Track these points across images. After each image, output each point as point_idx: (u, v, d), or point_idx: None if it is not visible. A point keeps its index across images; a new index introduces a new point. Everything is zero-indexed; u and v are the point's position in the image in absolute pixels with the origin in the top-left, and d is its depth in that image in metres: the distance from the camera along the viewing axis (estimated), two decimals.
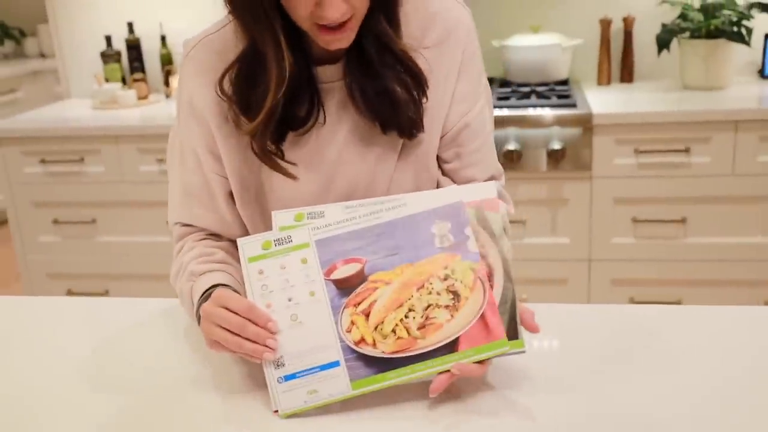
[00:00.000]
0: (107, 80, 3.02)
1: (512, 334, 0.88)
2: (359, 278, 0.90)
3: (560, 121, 2.35)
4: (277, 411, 0.88)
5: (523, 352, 0.88)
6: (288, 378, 0.89)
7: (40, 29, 4.82)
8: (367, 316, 0.89)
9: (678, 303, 2.44)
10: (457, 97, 1.08)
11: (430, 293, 0.89)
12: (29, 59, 4.84)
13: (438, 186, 1.11)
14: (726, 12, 2.45)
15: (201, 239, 1.10)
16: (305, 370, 0.88)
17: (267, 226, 1.02)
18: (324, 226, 0.91)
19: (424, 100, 1.02)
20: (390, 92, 0.99)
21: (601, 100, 2.49)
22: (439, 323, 0.88)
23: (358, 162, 1.05)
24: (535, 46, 2.65)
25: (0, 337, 1.14)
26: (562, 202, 2.42)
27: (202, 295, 0.97)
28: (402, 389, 0.88)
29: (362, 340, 0.88)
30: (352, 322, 0.89)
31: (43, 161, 2.68)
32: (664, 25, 2.56)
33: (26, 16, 4.92)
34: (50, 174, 2.70)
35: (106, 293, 2.77)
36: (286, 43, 0.93)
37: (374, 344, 0.88)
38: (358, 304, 0.90)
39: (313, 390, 0.88)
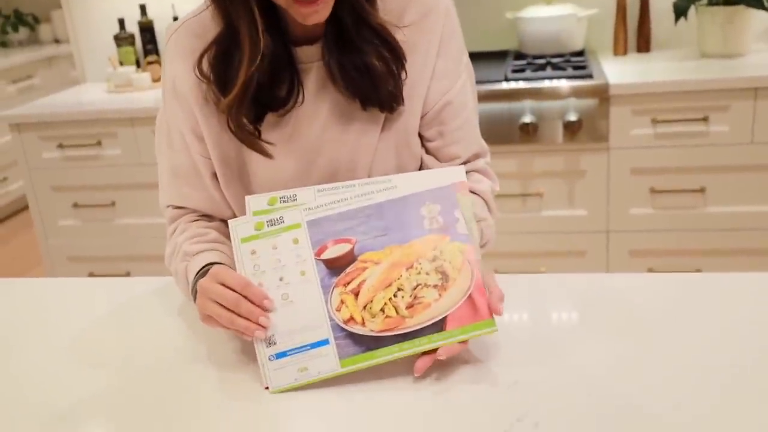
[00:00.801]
0: (121, 63, 3.03)
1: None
2: (349, 258, 0.91)
3: (576, 93, 2.33)
4: (267, 387, 0.89)
5: (495, 331, 0.89)
6: (279, 356, 0.89)
7: (54, 15, 4.85)
8: (357, 295, 0.90)
9: (698, 272, 2.43)
10: (437, 75, 1.08)
11: (419, 273, 0.90)
12: (44, 45, 4.87)
13: (422, 165, 1.11)
14: None
15: (193, 220, 1.11)
16: (295, 348, 0.89)
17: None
18: (315, 207, 0.92)
19: (403, 74, 1.02)
20: (369, 67, 0.99)
21: (617, 71, 2.46)
22: (427, 302, 0.89)
23: (340, 141, 1.06)
24: (550, 17, 2.63)
25: (20, 319, 1.15)
26: (579, 174, 2.41)
27: (197, 273, 0.99)
28: (389, 363, 0.89)
29: (351, 318, 0.89)
30: (342, 301, 0.90)
31: (60, 146, 2.70)
32: None
33: (40, 2, 4.95)
34: (68, 158, 2.72)
35: (127, 275, 2.79)
36: (261, 20, 0.93)
37: (363, 323, 0.89)
38: (348, 283, 0.90)
39: (304, 368, 0.89)
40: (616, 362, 0.89)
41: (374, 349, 0.88)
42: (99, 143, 2.67)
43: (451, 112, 1.10)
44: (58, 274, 2.86)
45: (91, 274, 2.84)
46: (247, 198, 0.94)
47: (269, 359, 0.89)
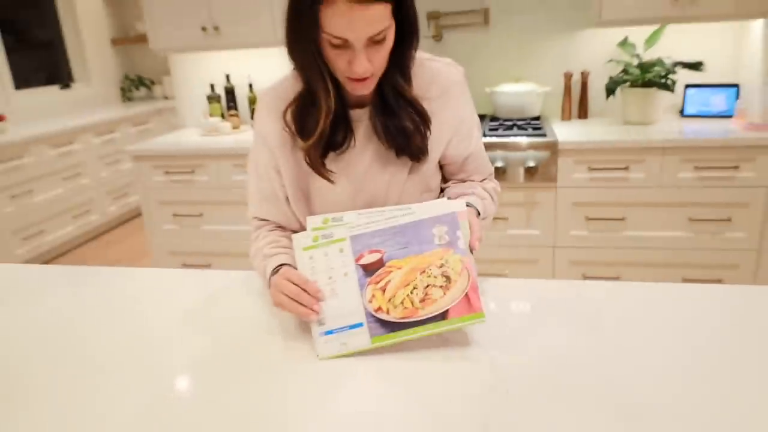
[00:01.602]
0: (211, 115, 3.05)
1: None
2: (379, 264, 0.91)
3: (534, 147, 2.33)
4: (317, 356, 0.89)
5: (483, 321, 0.88)
6: (327, 333, 0.90)
7: (165, 79, 4.90)
8: (384, 291, 0.90)
9: (618, 278, 2.41)
10: (459, 135, 1.07)
11: (429, 276, 0.89)
12: (156, 100, 4.92)
13: (441, 193, 1.13)
14: (657, 68, 2.41)
15: (271, 230, 1.10)
16: (339, 328, 0.90)
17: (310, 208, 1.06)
18: (356, 226, 0.92)
19: (428, 133, 1.01)
20: (404, 128, 0.99)
21: (564, 132, 2.45)
22: (435, 299, 0.89)
23: (378, 178, 1.05)
24: (516, 92, 2.63)
25: (132, 297, 1.16)
26: (534, 204, 2.40)
27: (272, 271, 0.98)
28: (403, 343, 0.89)
29: (380, 308, 0.89)
30: (373, 295, 0.90)
31: (166, 172, 2.72)
32: (611, 78, 2.52)
33: (154, 70, 5.01)
34: (171, 181, 2.74)
35: (209, 266, 2.80)
36: (332, 86, 0.93)
37: (388, 312, 0.89)
38: (378, 282, 0.90)
39: (344, 342, 0.89)
40: (567, 345, 0.88)
41: (395, 331, 0.89)
42: (193, 171, 2.69)
43: (471, 159, 1.11)
44: (160, 263, 2.87)
45: (184, 265, 2.84)
46: (308, 218, 0.94)
47: (320, 335, 0.90)
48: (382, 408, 0.76)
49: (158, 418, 0.77)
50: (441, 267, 0.90)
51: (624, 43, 2.54)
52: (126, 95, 4.95)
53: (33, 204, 3.50)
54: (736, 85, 2.49)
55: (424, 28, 2.77)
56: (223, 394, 0.81)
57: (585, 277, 2.41)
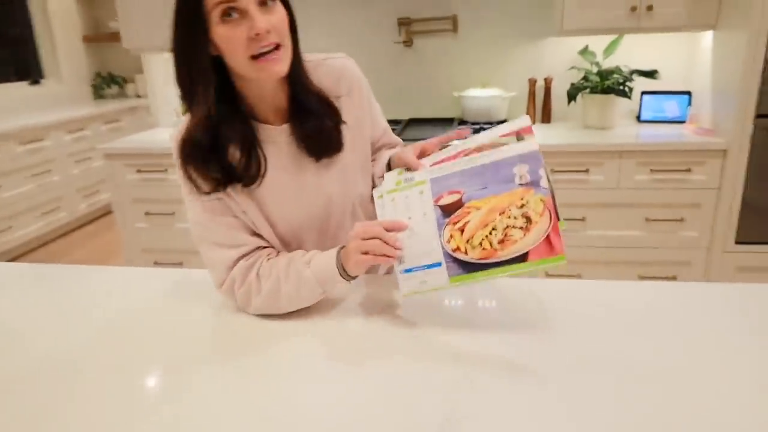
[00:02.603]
0: (183, 113, 3.01)
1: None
2: (458, 205, 0.87)
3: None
4: (401, 293, 0.89)
5: (564, 264, 0.83)
6: (407, 271, 0.89)
7: (137, 77, 4.83)
8: (462, 231, 0.86)
9: (579, 276, 2.48)
10: (374, 118, 1.10)
11: (509, 217, 0.85)
12: (129, 98, 4.84)
13: (374, 177, 1.10)
14: (615, 76, 2.49)
15: (269, 255, 0.98)
16: (418, 267, 0.88)
17: (277, 232, 1.01)
18: (437, 168, 0.90)
19: (342, 125, 1.01)
20: (322, 124, 0.97)
21: None
22: (514, 240, 0.84)
23: (327, 183, 1.02)
24: (483, 96, 2.67)
25: (102, 294, 1.12)
26: None
27: (337, 251, 0.93)
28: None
29: (458, 248, 0.86)
30: (451, 236, 0.87)
31: (138, 171, 2.69)
32: (572, 84, 2.58)
33: (127, 68, 4.93)
34: (143, 180, 2.71)
35: (181, 264, 2.79)
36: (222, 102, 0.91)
37: (466, 252, 0.86)
38: (456, 222, 0.87)
39: (423, 281, 0.88)
40: (528, 335, 0.89)
41: (473, 272, 0.85)
42: (165, 170, 2.67)
43: (386, 132, 1.15)
44: (133, 261, 2.83)
45: (156, 263, 2.82)
46: (386, 174, 0.95)
47: (400, 273, 0.89)
48: (347, 400, 0.75)
49: (129, 417, 0.74)
50: (521, 207, 0.84)
51: (584, 52, 2.61)
52: (98, 93, 4.86)
53: (0, 200, 3.42)
54: (688, 93, 2.59)
55: (395, 34, 2.82)
56: (186, 394, 0.78)
57: (548, 276, 2.47)
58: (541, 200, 0.84)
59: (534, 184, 0.85)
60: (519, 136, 0.88)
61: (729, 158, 2.24)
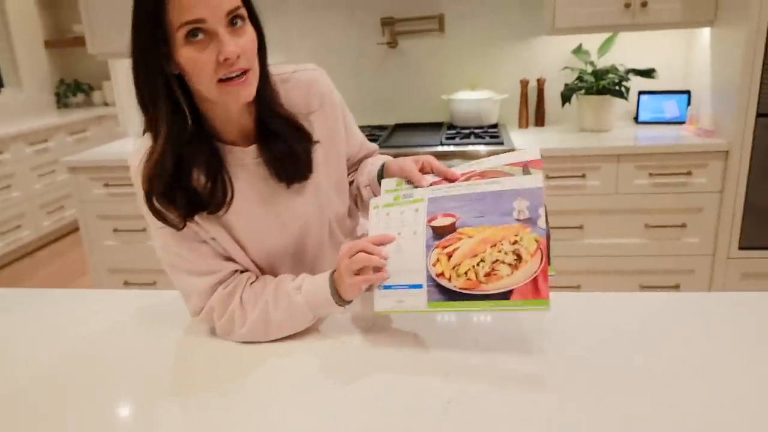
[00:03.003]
0: (144, 134, 2.94)
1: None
2: (451, 229, 0.88)
3: (491, 155, 2.33)
4: (374, 311, 0.89)
5: (547, 309, 0.82)
6: (385, 288, 0.88)
7: (105, 84, 4.73)
8: (450, 257, 0.86)
9: (578, 288, 2.45)
10: (348, 133, 1.09)
11: (499, 251, 0.84)
12: (96, 107, 4.72)
13: (359, 187, 1.11)
14: (611, 75, 2.46)
15: (249, 280, 0.97)
16: (398, 285, 0.88)
17: (250, 256, 0.99)
18: (438, 188, 0.91)
19: (314, 146, 0.99)
20: (291, 149, 0.95)
21: (521, 139, 2.46)
22: (501, 275, 0.84)
23: (301, 206, 1.01)
24: (473, 99, 2.63)
25: (69, 319, 1.07)
26: None
27: (330, 275, 0.92)
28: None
29: (442, 274, 0.86)
30: (438, 259, 0.87)
31: (106, 185, 2.60)
32: (566, 85, 2.55)
33: (93, 74, 4.81)
34: (111, 194, 2.61)
35: (154, 284, 2.69)
36: (190, 121, 0.89)
37: (450, 279, 0.85)
38: (446, 247, 0.87)
39: (401, 300, 0.87)
40: (525, 350, 0.89)
41: (454, 300, 0.85)
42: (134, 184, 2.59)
43: (364, 144, 1.15)
44: (101, 282, 2.71)
45: (126, 283, 2.71)
46: (383, 181, 0.98)
47: (378, 288, 0.88)
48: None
49: None
50: (514, 244, 0.84)
51: (578, 51, 2.59)
52: (62, 101, 4.72)
53: None
54: (687, 92, 2.58)
55: (378, 35, 2.77)
56: (166, 414, 0.78)
57: None
58: (536, 240, 0.84)
59: (532, 221, 0.85)
60: (526, 169, 0.89)
61: (731, 160, 2.22)
